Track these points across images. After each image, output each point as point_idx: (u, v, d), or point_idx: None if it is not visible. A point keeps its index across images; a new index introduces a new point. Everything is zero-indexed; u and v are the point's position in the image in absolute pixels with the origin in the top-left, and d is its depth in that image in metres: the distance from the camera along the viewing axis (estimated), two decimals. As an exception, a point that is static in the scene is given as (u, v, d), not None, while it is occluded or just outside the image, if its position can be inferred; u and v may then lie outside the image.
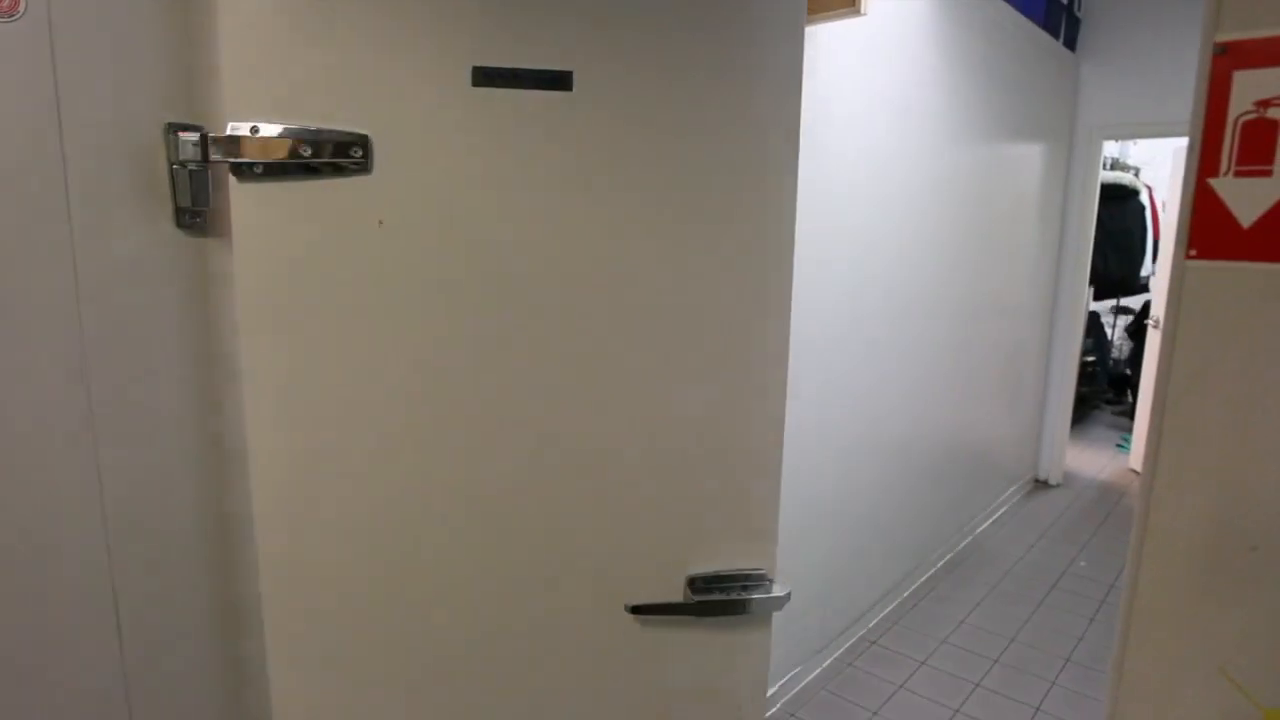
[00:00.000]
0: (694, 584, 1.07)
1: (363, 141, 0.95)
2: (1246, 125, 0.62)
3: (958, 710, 2.42)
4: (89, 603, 0.96)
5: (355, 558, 1.02)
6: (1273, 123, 0.61)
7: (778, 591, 1.10)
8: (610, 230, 1.00)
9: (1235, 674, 0.64)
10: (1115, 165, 5.06)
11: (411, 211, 0.97)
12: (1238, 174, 0.62)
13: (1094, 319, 5.45)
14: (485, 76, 0.90)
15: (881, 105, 2.41)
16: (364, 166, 0.95)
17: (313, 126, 0.94)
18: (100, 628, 0.98)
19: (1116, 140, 4.93)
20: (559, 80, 0.93)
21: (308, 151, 0.95)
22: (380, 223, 0.96)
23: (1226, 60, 0.62)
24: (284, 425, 1.00)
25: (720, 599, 1.08)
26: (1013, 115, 3.48)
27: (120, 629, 0.99)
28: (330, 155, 0.95)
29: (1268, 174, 0.61)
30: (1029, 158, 3.78)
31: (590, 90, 0.94)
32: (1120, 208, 4.79)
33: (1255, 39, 0.61)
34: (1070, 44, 4.13)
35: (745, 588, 1.09)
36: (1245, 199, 0.62)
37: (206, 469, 1.05)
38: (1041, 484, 4.64)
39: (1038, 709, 2.45)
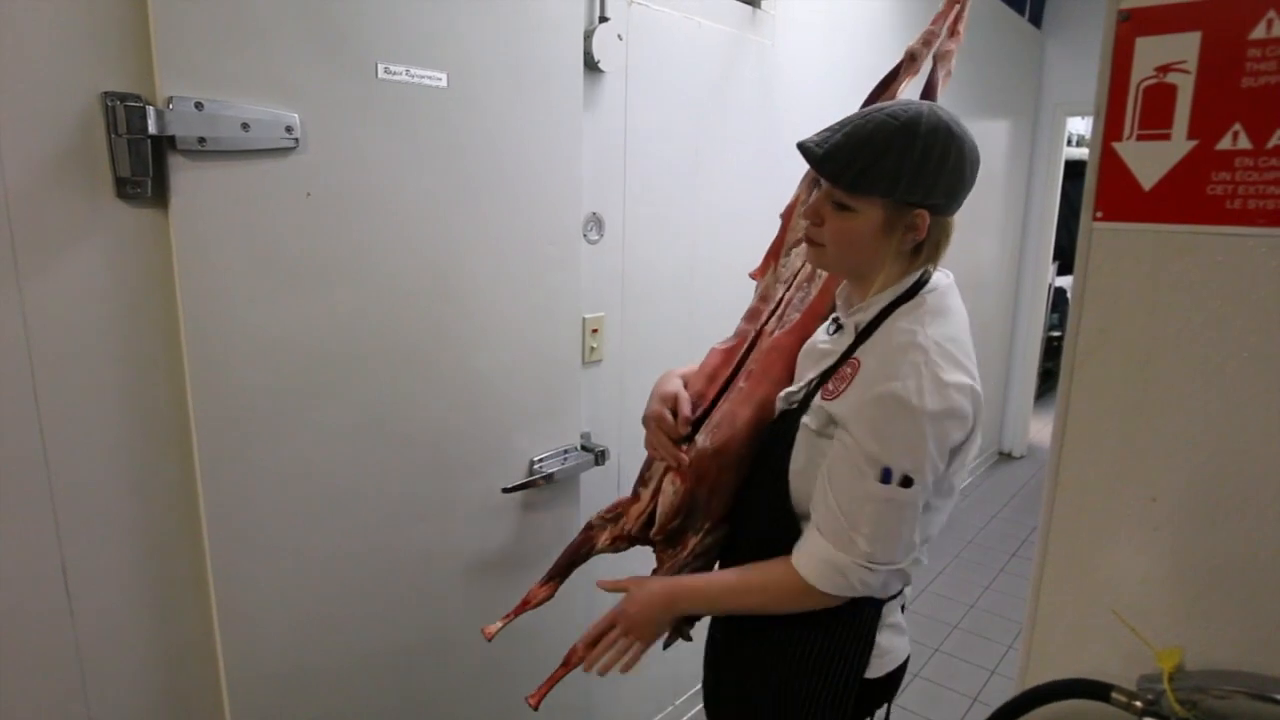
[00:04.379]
0: (533, 465, 1.53)
1: (294, 122, 1.07)
2: (1148, 90, 0.64)
3: (917, 674, 2.49)
4: (35, 571, 0.97)
5: (294, 482, 1.17)
6: (1171, 87, 0.63)
7: (585, 453, 1.62)
8: (471, 194, 1.31)
9: (1134, 617, 0.67)
10: (1081, 142, 5.12)
11: (332, 184, 1.14)
12: (1140, 138, 0.65)
13: (1059, 294, 5.53)
14: (388, 71, 1.16)
15: (842, 75, 2.42)
16: (297, 145, 1.08)
17: (255, 106, 1.03)
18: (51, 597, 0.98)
19: (1082, 116, 4.99)
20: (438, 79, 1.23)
21: (250, 129, 1.02)
22: (308, 195, 1.11)
23: (1130, 27, 0.64)
24: (223, 386, 1.06)
25: (552, 470, 1.54)
26: (977, 91, 3.51)
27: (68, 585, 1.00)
28: (270, 133, 1.04)
29: (1166, 138, 0.63)
30: (994, 133, 3.82)
31: (458, 86, 1.26)
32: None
33: (1157, 6, 0.63)
34: (1036, 20, 4.17)
35: (565, 456, 1.58)
36: (1146, 162, 0.64)
37: (149, 437, 1.05)
38: (1005, 456, 4.74)
39: (993, 672, 2.52)
